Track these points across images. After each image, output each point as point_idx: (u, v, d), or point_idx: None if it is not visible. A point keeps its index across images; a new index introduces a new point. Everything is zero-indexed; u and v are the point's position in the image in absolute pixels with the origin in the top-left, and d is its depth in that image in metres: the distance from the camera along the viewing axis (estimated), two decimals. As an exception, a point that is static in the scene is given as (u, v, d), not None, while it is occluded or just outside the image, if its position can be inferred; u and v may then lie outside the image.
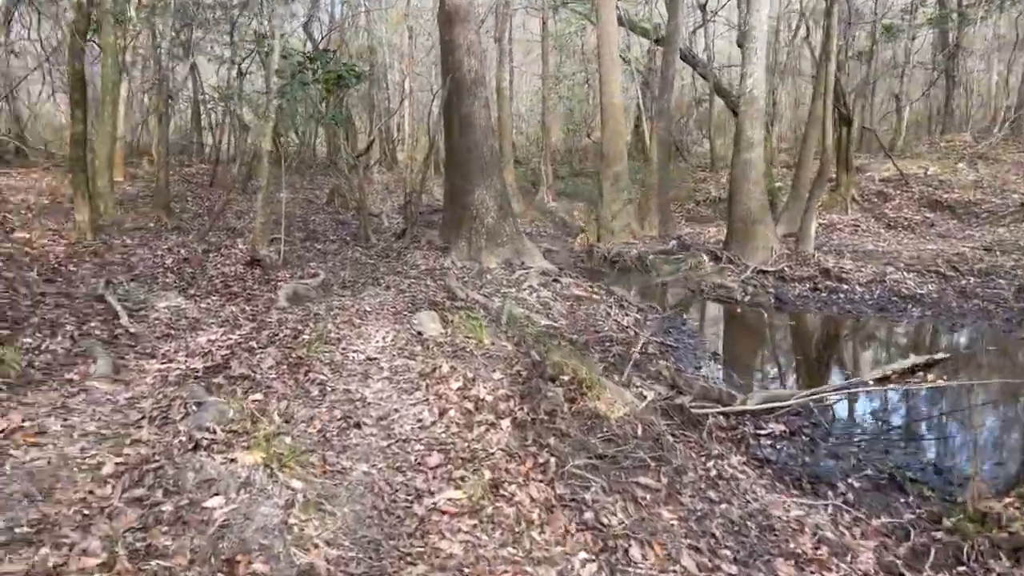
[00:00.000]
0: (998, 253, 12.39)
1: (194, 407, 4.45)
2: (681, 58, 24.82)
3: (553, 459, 4.68)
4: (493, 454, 4.66)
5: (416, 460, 4.45)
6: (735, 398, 6.61)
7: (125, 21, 13.83)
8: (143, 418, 4.26)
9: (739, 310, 10.62)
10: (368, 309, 8.44)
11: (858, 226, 15.75)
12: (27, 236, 8.81)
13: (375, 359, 6.11)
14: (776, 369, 8.59)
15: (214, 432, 4.17)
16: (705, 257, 13.08)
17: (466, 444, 4.72)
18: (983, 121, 25.50)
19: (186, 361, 5.53)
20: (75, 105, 8.76)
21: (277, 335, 6.53)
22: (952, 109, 26.26)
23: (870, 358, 8.80)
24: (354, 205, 17.27)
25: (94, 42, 14.26)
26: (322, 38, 22.86)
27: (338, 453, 4.40)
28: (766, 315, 10.36)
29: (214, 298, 7.82)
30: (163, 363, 5.41)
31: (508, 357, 6.16)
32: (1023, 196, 15.02)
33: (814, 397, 6.85)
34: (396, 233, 16.95)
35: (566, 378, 5.75)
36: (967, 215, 14.95)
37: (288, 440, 4.36)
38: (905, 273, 11.47)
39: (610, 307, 10.32)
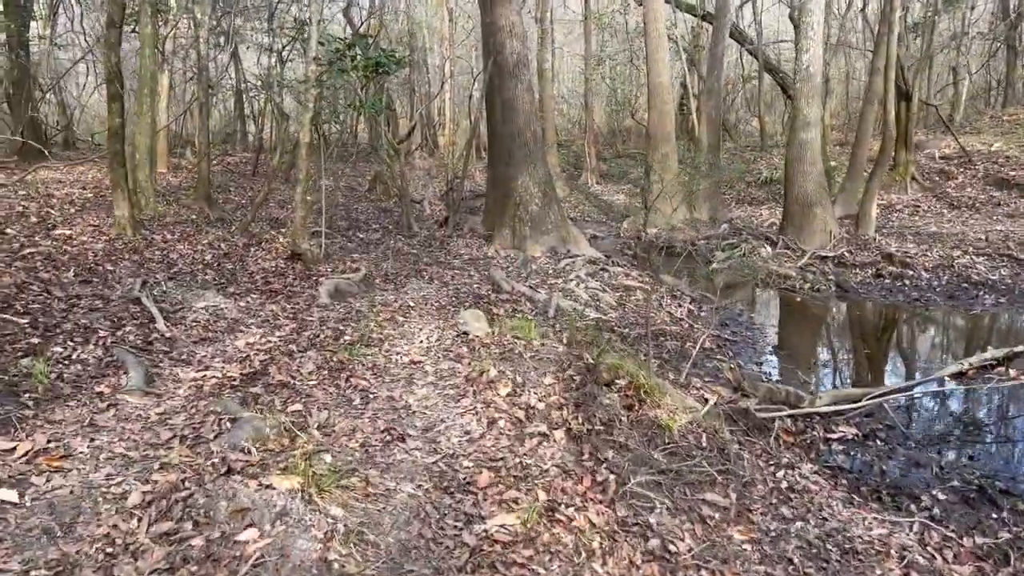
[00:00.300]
0: (1075, 235, 11.60)
1: (228, 424, 4.15)
2: (728, 35, 24.05)
3: (613, 476, 4.30)
4: (547, 471, 4.30)
5: (465, 479, 4.10)
6: (803, 399, 6.14)
7: (164, 10, 13.64)
8: (174, 437, 3.97)
9: (798, 299, 10.06)
10: (411, 304, 8.12)
11: (919, 206, 14.97)
12: (68, 233, 8.65)
13: (419, 362, 5.77)
14: (842, 364, 8.06)
15: (249, 452, 3.86)
16: (760, 242, 12.50)
17: (518, 460, 4.36)
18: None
19: (223, 368, 5.25)
20: (112, 98, 8.55)
21: (318, 336, 6.24)
22: (1013, 81, 25.03)
23: (943, 351, 8.22)
24: (396, 193, 16.99)
25: (135, 32, 14.13)
26: (361, 23, 22.54)
27: (381, 472, 4.07)
28: (827, 304, 9.80)
29: (254, 296, 7.56)
30: (199, 371, 5.14)
31: (559, 359, 5.77)
32: (1099, 173, 14.13)
33: (887, 396, 6.34)
34: (439, 221, 16.64)
35: (622, 382, 5.34)
36: (1036, 193, 14.11)
37: (328, 459, 4.05)
38: (974, 257, 10.79)
39: (662, 298, 9.86)
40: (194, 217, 12.18)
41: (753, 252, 12.20)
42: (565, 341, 6.39)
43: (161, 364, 5.23)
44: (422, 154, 30.47)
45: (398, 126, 27.79)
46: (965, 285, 9.88)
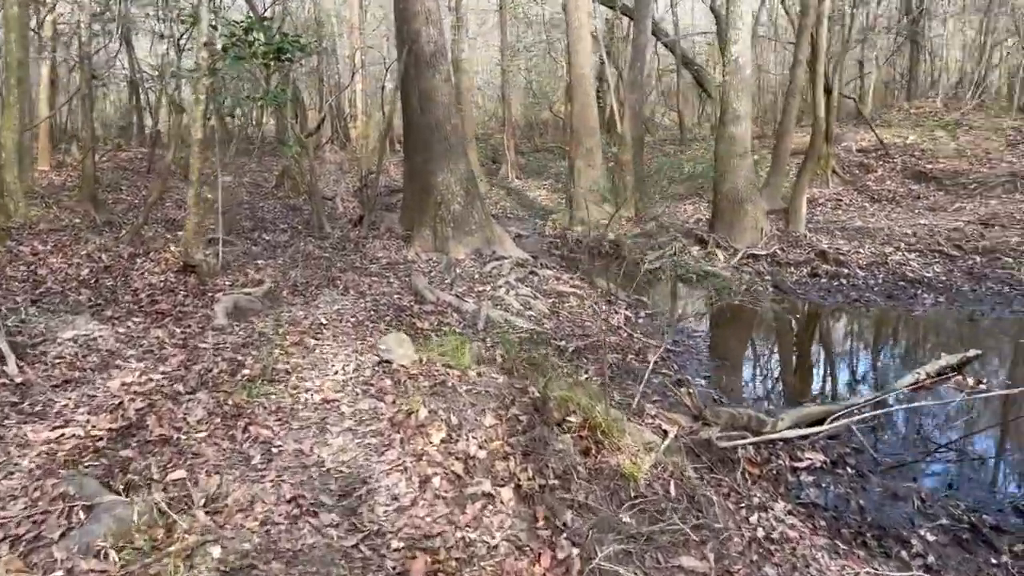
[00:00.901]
0: (997, 228, 11.51)
1: (82, 514, 3.16)
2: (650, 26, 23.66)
3: (575, 550, 3.51)
4: (496, 547, 3.47)
5: (395, 568, 3.24)
6: (764, 423, 5.51)
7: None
8: (3, 540, 2.96)
9: (735, 301, 9.52)
10: (324, 322, 7.14)
11: (841, 200, 14.80)
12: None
13: (334, 401, 4.84)
14: (791, 375, 7.52)
15: (106, 557, 2.89)
16: (690, 240, 11.98)
17: (460, 534, 3.51)
18: (947, 87, 24.83)
19: (88, 422, 4.20)
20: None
21: (210, 371, 5.22)
22: (917, 75, 25.55)
23: (894, 357, 7.79)
24: (305, 190, 15.80)
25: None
26: (265, 9, 21.06)
27: (287, 565, 3.16)
28: (766, 306, 9.30)
29: (136, 319, 6.43)
30: (55, 428, 4.07)
31: (499, 392, 4.93)
32: (1011, 165, 14.21)
33: (849, 417, 5.80)
34: (353, 219, 15.54)
35: (576, 420, 4.56)
36: (954, 186, 14.08)
37: (216, 552, 3.11)
38: (906, 253, 10.52)
39: (596, 303, 9.16)
40: (77, 221, 10.79)
41: (684, 251, 11.66)
42: (504, 366, 5.55)
43: (6, 422, 4.14)
44: (333, 147, 29.04)
45: (307, 118, 26.32)
46: (902, 283, 9.55)
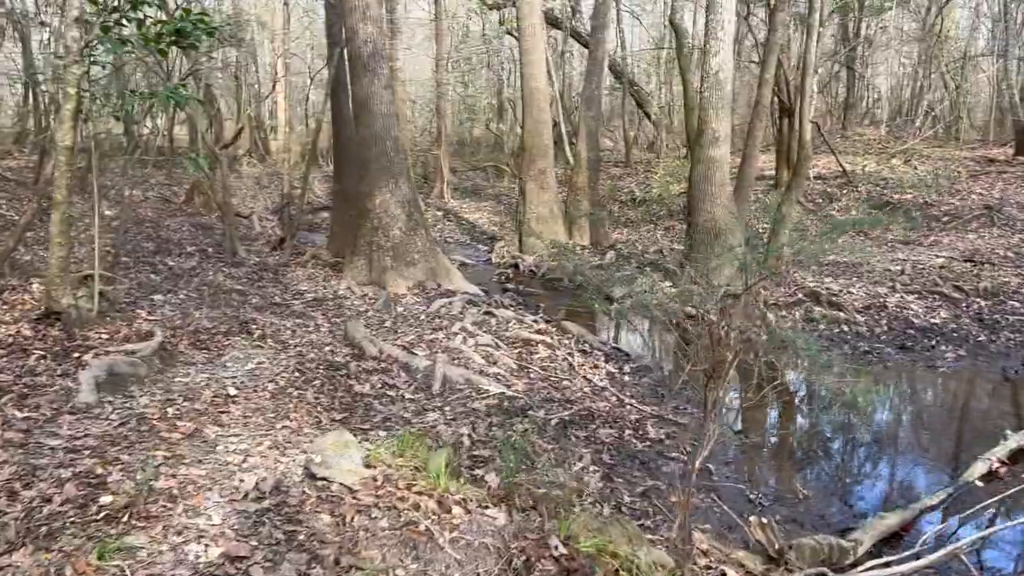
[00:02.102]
0: (987, 266, 10.49)
1: None
2: (584, 45, 22.39)
3: None
4: None
5: None
6: (846, 552, 3.98)
7: None
8: None
9: (728, 354, 8.01)
10: (233, 392, 5.29)
11: (807, 230, 13.67)
12: None
13: (242, 561, 3.04)
14: (833, 455, 6.02)
15: None
16: (659, 274, 10.50)
17: None
18: (891, 113, 24.51)
19: None
20: None
21: (49, 501, 3.33)
22: (852, 103, 25.18)
23: (945, 430, 6.42)
24: (218, 206, 13.72)
25: None
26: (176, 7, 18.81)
27: None
28: (767, 360, 7.84)
29: (-47, 400, 4.45)
30: None
31: (501, 543, 3.22)
32: (982, 198, 13.38)
33: (928, 520, 4.36)
34: (272, 242, 13.53)
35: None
36: (925, 219, 13.15)
37: None
38: (904, 295, 9.31)
39: (570, 353, 7.55)
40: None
41: (654, 287, 10.17)
42: (498, 492, 3.78)
43: None
44: (251, 160, 26.72)
45: (223, 128, 23.99)
46: (911, 331, 8.28)
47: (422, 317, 8.42)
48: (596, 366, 7.30)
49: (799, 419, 6.83)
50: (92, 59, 5.79)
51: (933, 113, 20.00)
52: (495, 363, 6.97)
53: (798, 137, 10.38)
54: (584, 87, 13.53)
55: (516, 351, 7.45)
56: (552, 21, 20.01)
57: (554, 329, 8.29)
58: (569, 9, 21.09)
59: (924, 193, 13.90)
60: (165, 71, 6.70)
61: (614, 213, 15.64)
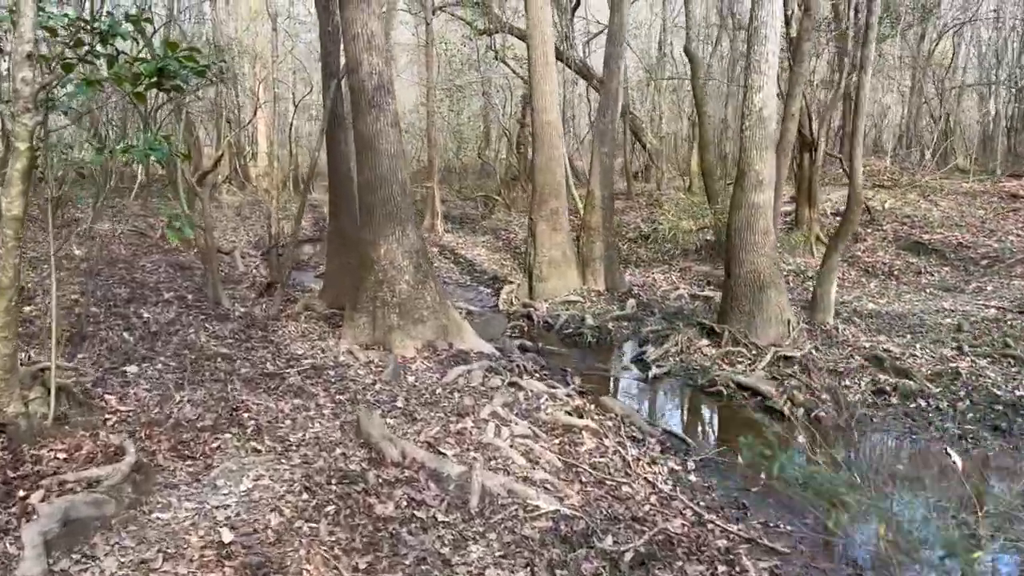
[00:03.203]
0: (1047, 320, 9.51)
1: None
2: (577, 72, 21.39)
3: None
4: None
5: None
6: None
7: None
8: None
9: (798, 435, 6.80)
10: (228, 539, 4.03)
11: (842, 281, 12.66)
12: None
13: None
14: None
15: None
16: (693, 330, 9.42)
17: None
18: (885, 143, 23.78)
19: None
20: None
21: None
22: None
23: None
24: (198, 245, 12.39)
25: None
26: (155, 31, 17.48)
27: None
28: (847, 448, 6.71)
29: None
30: None
31: None
32: (1021, 240, 12.47)
33: None
34: (258, 286, 12.25)
35: None
36: (960, 261, 12.19)
37: None
38: (975, 360, 8.26)
39: (621, 444, 6.37)
40: None
41: (691, 347, 9.08)
42: None
43: None
44: (230, 188, 25.32)
45: (201, 156, 22.57)
46: (999, 408, 7.20)
47: (439, 391, 7.21)
48: (654, 461, 6.12)
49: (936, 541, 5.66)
50: (51, 104, 4.53)
51: (923, 144, 19.25)
52: (537, 462, 5.77)
53: (849, 183, 9.35)
54: (596, 120, 12.45)
55: (557, 441, 6.27)
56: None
57: (593, 407, 7.12)
58: (563, 36, 20.09)
59: (957, 233, 12.96)
60: (142, 116, 5.45)
61: (622, 252, 14.54)
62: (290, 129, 20.29)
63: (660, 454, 6.28)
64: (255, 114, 20.51)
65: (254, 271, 14.45)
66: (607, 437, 6.44)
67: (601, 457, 6.06)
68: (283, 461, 5.26)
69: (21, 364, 5.12)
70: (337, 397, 6.96)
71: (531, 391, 7.32)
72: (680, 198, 17.36)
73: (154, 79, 4.46)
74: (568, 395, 7.35)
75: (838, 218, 14.60)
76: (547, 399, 7.14)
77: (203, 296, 11.03)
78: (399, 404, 6.83)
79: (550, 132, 11.47)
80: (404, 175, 8.77)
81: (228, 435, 5.59)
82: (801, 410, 7.24)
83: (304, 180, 10.41)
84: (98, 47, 4.44)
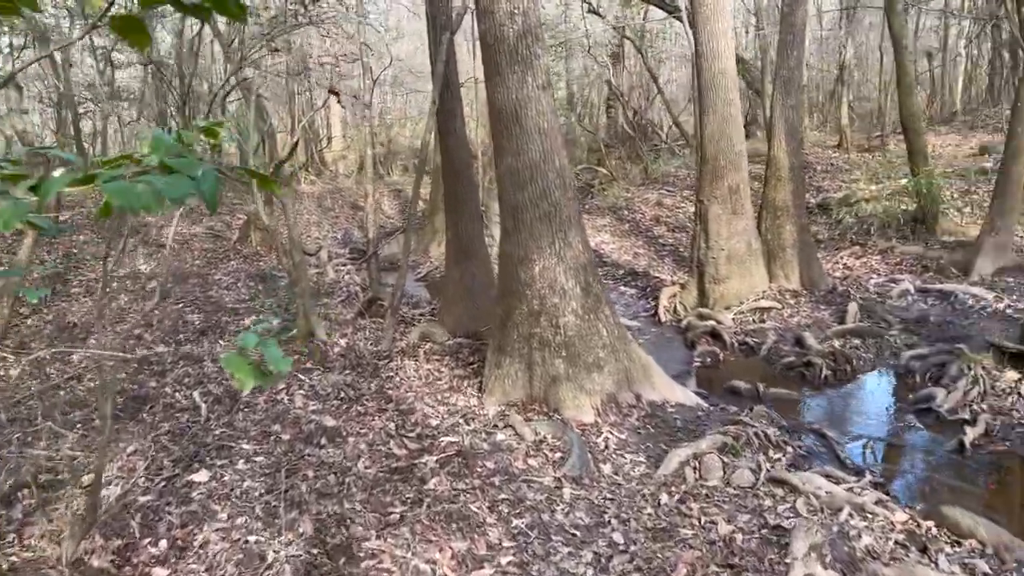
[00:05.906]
0: None
1: None
2: (662, 8, 17.83)
3: None
4: None
5: None
6: None
7: None
8: None
9: None
10: None
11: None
12: None
13: None
14: None
15: None
16: (984, 354, 6.40)
17: None
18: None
19: None
20: None
21: None
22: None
23: None
24: (277, 247, 9.84)
25: None
26: None
27: None
28: None
29: None
30: None
31: None
32: None
33: None
34: (357, 305, 9.65)
35: None
36: None
37: None
38: None
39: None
40: None
41: (994, 385, 6.06)
42: None
43: None
44: (308, 175, 23.03)
45: (276, 144, 20.25)
46: None
47: (664, 500, 4.48)
48: None
49: None
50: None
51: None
52: None
53: None
54: (777, 64, 9.32)
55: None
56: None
57: (931, 524, 4.23)
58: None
59: None
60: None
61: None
62: (368, 108, 17.66)
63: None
64: (334, 93, 17.89)
65: (346, 277, 11.93)
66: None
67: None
68: None
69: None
70: (514, 524, 4.29)
71: (813, 494, 4.48)
72: (858, 160, 14.10)
73: None
74: (882, 503, 4.47)
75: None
76: (850, 513, 4.28)
77: (291, 319, 8.55)
78: (618, 540, 4.10)
79: (725, 85, 8.47)
80: (563, 159, 5.96)
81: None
82: None
83: (420, 177, 7.66)
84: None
